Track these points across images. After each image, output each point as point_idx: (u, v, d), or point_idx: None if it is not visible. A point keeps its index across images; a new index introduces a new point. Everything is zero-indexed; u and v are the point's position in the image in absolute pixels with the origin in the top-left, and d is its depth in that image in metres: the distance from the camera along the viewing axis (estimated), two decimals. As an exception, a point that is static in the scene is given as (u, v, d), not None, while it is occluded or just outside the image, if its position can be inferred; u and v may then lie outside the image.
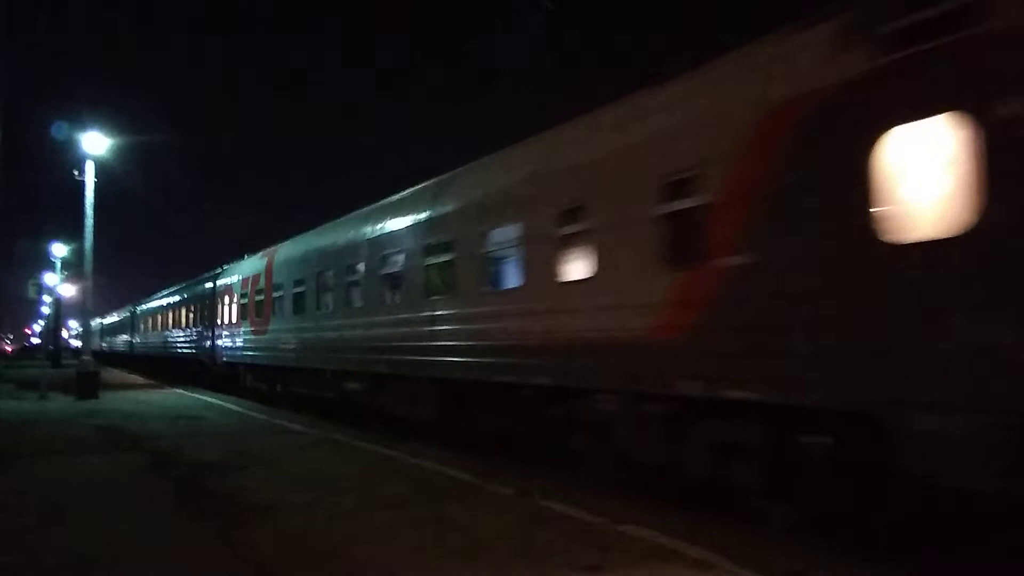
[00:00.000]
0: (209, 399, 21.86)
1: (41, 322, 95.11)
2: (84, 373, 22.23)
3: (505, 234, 9.56)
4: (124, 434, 13.33)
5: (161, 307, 36.84)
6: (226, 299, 23.62)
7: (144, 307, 43.13)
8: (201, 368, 26.70)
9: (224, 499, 7.66)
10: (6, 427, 14.53)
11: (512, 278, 10.07)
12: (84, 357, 23.83)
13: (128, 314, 49.72)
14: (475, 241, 10.06)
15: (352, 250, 14.20)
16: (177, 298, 32.74)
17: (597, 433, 8.15)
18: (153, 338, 39.04)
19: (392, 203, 13.54)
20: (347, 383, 14.48)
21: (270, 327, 18.83)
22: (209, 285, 25.99)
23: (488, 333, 9.62)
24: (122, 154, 24.54)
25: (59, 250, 47.35)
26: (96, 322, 68.54)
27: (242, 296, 21.65)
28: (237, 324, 22.12)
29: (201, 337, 26.86)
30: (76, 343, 72.58)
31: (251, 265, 21.68)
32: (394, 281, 12.77)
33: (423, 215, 11.76)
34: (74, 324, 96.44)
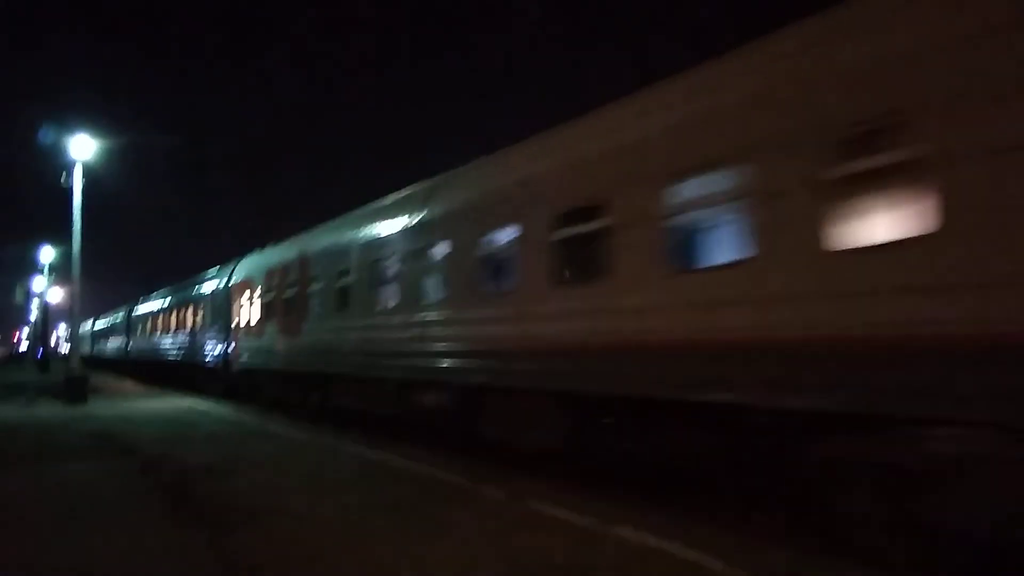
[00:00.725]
0: (205, 407, 19.95)
1: (29, 327, 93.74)
2: (72, 378, 21.78)
3: (708, 185, 6.53)
4: (113, 440, 12.96)
5: (161, 308, 32.45)
6: (244, 297, 19.87)
7: (141, 308, 38.69)
8: (210, 377, 23.29)
9: (214, 505, 7.53)
10: None
11: (724, 250, 7.25)
12: (72, 363, 23.17)
13: (123, 316, 45.08)
14: (646, 201, 6.96)
15: (432, 228, 10.91)
16: (181, 297, 28.58)
17: (910, 488, 5.21)
18: (152, 342, 34.52)
19: (493, 163, 10.26)
20: (421, 396, 11.24)
21: (305, 328, 15.34)
22: (221, 281, 22.33)
23: (672, 330, 6.64)
24: (111, 157, 24.41)
25: (47, 255, 46.76)
26: (86, 325, 67.15)
27: (266, 292, 17.90)
28: (259, 325, 18.34)
29: (212, 341, 23.14)
30: (66, 348, 71.36)
31: (278, 256, 17.86)
32: (498, 264, 9.68)
33: (546, 170, 8.68)
34: (63, 329, 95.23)
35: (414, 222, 11.54)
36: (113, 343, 50.40)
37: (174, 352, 28.97)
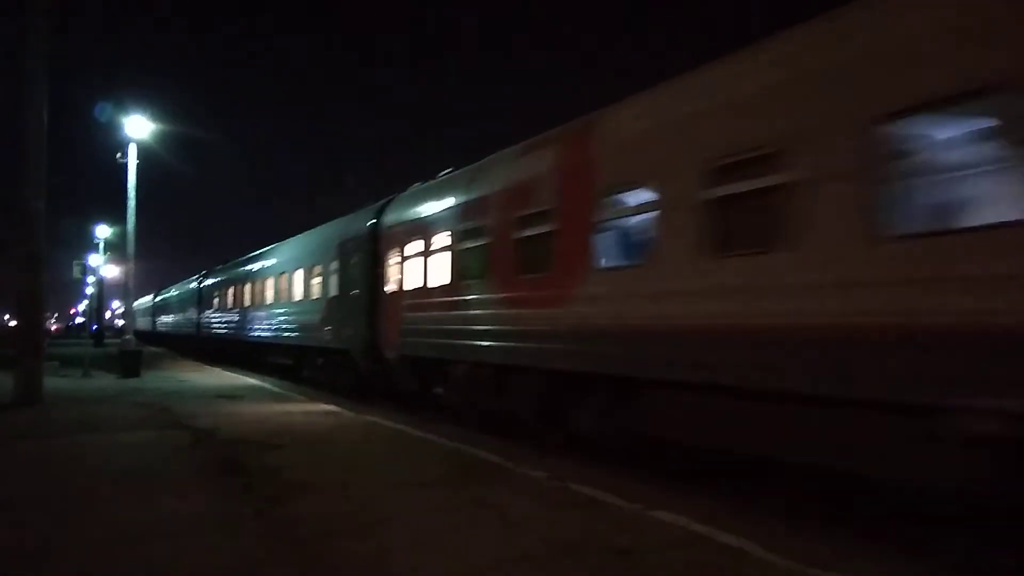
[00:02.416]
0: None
1: (85, 302, 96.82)
2: (126, 352, 22.71)
3: None
4: (165, 412, 13.33)
5: (250, 274, 25.81)
6: (408, 249, 13.59)
7: (221, 276, 31.64)
8: (336, 366, 17.07)
9: (262, 477, 7.68)
10: (51, 404, 14.45)
11: None
12: (126, 336, 24.13)
13: (194, 286, 38.21)
14: None
15: None
16: (282, 258, 22.20)
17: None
18: (235, 317, 27.63)
19: None
20: None
21: (584, 291, 8.60)
22: (359, 232, 15.90)
23: None
24: (167, 136, 24.88)
25: (103, 232, 48.32)
26: (146, 299, 65.28)
27: (464, 238, 11.44)
28: (448, 291, 11.86)
29: (340, 315, 16.41)
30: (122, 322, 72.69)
31: (492, 176, 11.11)
32: None
33: None
34: (118, 304, 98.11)
35: None
36: (180, 318, 44.04)
37: (270, 330, 22.76)
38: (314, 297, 18.76)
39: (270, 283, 23.29)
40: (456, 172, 13.20)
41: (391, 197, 15.55)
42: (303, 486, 7.19)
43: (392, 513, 6.26)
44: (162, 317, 54.09)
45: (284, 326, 21.26)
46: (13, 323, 16.83)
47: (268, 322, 23.13)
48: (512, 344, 10.03)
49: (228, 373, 24.18)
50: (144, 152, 24.30)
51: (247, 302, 26.23)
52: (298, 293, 20.21)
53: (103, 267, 53.86)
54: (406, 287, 13.69)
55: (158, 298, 57.75)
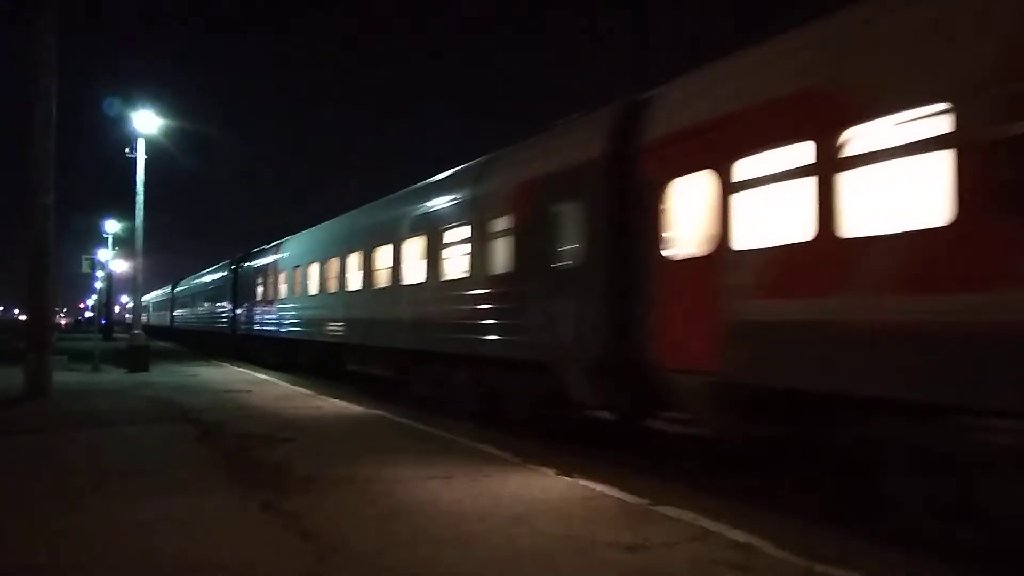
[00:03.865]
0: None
1: (94, 296, 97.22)
2: (135, 347, 22.62)
3: None
4: (173, 406, 13.49)
5: (323, 250, 19.28)
6: (742, 168, 6.67)
7: (269, 258, 25.11)
8: (509, 387, 10.99)
9: (270, 470, 7.77)
10: (60, 397, 14.53)
11: None
12: (135, 331, 24.18)
13: (226, 273, 31.84)
14: None
15: None
16: (385, 222, 15.40)
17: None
18: (295, 310, 21.49)
19: None
20: None
21: None
22: (578, 157, 9.24)
23: None
24: (176, 131, 24.89)
25: (111, 226, 48.47)
26: (161, 291, 63.53)
27: None
28: (946, 239, 4.89)
29: (529, 304, 9.97)
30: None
31: None
32: None
33: None
34: (127, 299, 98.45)
35: None
36: (207, 312, 36.93)
37: (356, 327, 16.52)
38: (451, 278, 12.41)
39: (353, 262, 16.78)
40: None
41: (648, 94, 8.78)
42: None
43: (399, 504, 6.24)
44: (182, 311, 47.75)
45: (384, 322, 14.92)
46: (23, 317, 16.86)
47: (351, 316, 16.86)
48: None
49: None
50: (153, 147, 24.33)
51: (312, 290, 19.87)
52: (415, 274, 13.73)
53: (112, 262, 54.02)
54: (738, 245, 6.86)
55: (177, 289, 51.30)
